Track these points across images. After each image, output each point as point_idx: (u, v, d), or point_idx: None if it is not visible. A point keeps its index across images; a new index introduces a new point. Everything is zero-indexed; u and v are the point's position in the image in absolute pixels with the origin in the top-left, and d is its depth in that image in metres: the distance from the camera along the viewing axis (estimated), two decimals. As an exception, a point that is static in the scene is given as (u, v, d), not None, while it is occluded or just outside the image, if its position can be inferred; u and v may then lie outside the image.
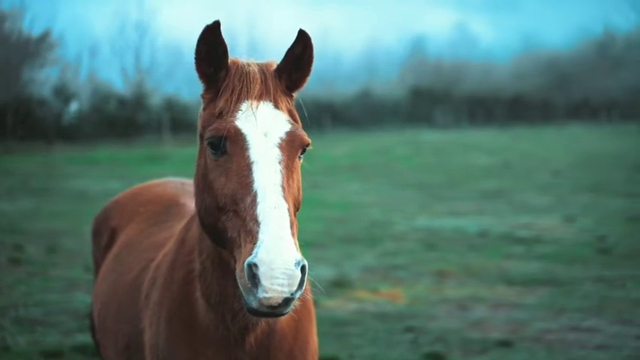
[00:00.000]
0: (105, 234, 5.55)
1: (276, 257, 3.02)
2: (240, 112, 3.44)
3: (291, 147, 3.44)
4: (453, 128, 78.60)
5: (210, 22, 3.43)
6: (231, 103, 3.47)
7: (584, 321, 10.08)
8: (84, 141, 52.15)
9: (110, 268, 5.07)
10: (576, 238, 16.07)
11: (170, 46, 74.63)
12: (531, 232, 16.98)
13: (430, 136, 63.47)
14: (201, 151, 3.57)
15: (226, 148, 3.38)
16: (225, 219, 3.32)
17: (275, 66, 3.62)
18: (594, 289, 11.71)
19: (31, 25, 57.83)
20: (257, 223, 3.14)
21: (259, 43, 73.49)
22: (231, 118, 3.41)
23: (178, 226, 4.45)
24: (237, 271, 3.17)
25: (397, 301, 11.30)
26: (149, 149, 48.55)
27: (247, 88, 3.49)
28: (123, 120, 57.90)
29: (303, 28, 3.55)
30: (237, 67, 3.55)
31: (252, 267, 3.03)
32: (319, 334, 4.28)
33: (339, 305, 10.92)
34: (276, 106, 3.52)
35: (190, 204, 5.07)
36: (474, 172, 32.05)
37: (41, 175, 31.78)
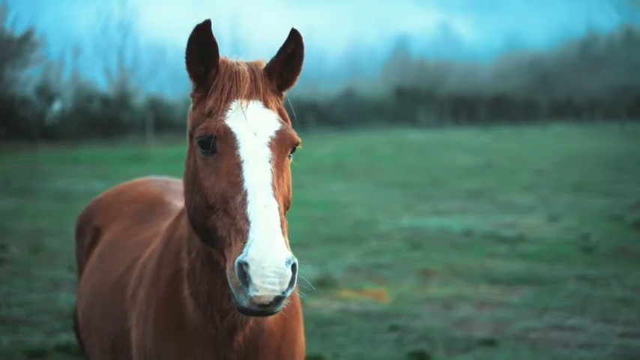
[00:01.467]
0: (89, 233, 5.52)
1: (267, 256, 3.03)
2: (229, 111, 3.44)
3: (281, 146, 3.44)
4: (437, 128, 78.75)
5: (200, 21, 3.42)
6: (220, 102, 3.47)
7: (567, 320, 10.12)
8: (67, 140, 51.93)
9: (94, 268, 5.05)
10: (560, 237, 16.13)
11: (153, 45, 74.60)
12: (515, 231, 17.03)
13: (414, 136, 63.57)
14: (191, 150, 3.57)
15: (216, 147, 3.38)
16: (215, 218, 3.32)
17: (264, 65, 3.63)
18: (578, 288, 11.76)
19: (14, 24, 57.51)
20: (247, 221, 3.14)
21: (242, 42, 73.52)
22: (221, 117, 3.41)
23: (164, 225, 4.44)
24: (228, 270, 3.16)
25: (381, 300, 11.32)
26: (133, 149, 48.42)
27: (237, 87, 3.48)
28: (106, 119, 57.72)
29: (295, 28, 3.56)
30: (227, 66, 3.55)
31: (243, 265, 3.04)
32: (304, 333, 4.28)
33: (324, 305, 10.93)
34: (266, 105, 3.52)
35: (175, 202, 5.05)
36: (457, 171, 32.11)
37: (24, 175, 31.63)
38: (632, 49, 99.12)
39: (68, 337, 9.10)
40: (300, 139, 3.53)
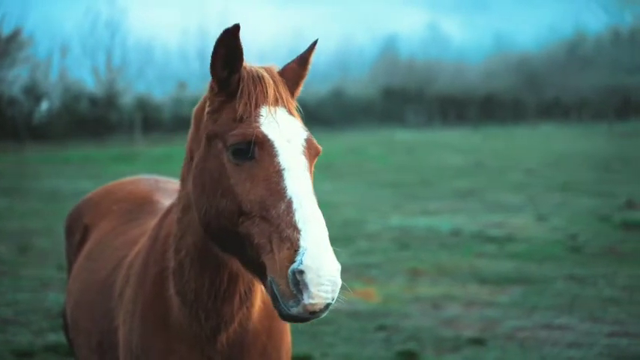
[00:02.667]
0: (77, 232, 5.51)
1: (323, 264, 3.07)
2: (261, 117, 3.43)
3: (310, 154, 3.47)
4: (426, 128, 78.76)
5: (230, 25, 3.40)
6: (250, 107, 3.45)
7: (556, 319, 10.15)
8: (55, 140, 51.77)
9: (83, 266, 5.04)
10: (548, 237, 16.17)
11: (141, 44, 74.33)
12: (503, 230, 17.06)
13: (403, 136, 63.59)
14: (209, 153, 3.52)
15: (254, 153, 3.36)
16: (250, 224, 3.29)
17: (276, 70, 3.65)
18: (566, 288, 11.79)
19: (1, 23, 57.25)
20: (297, 230, 3.15)
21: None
22: (256, 124, 3.40)
23: (151, 223, 4.43)
24: (275, 277, 3.15)
25: (370, 299, 11.32)
26: (121, 148, 48.32)
27: (263, 93, 3.48)
28: (94, 119, 57.55)
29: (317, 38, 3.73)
30: (248, 71, 3.54)
31: (297, 274, 3.05)
32: (292, 332, 4.28)
33: (313, 304, 10.89)
34: (290, 112, 3.54)
35: (164, 201, 5.03)
36: (446, 171, 32.14)
37: (12, 175, 31.52)
38: (619, 50, 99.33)
39: (57, 337, 9.08)
40: (321, 148, 3.55)
